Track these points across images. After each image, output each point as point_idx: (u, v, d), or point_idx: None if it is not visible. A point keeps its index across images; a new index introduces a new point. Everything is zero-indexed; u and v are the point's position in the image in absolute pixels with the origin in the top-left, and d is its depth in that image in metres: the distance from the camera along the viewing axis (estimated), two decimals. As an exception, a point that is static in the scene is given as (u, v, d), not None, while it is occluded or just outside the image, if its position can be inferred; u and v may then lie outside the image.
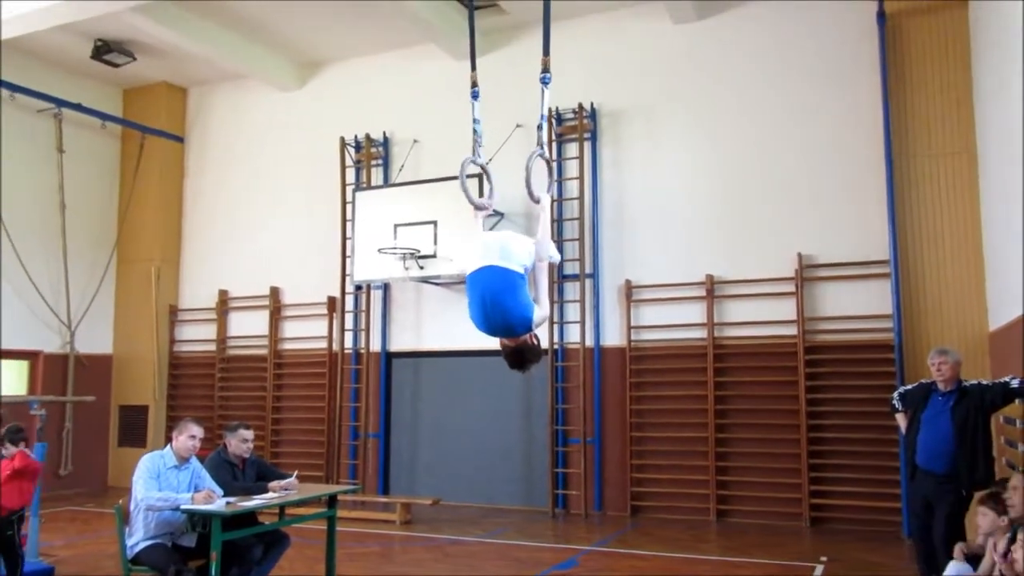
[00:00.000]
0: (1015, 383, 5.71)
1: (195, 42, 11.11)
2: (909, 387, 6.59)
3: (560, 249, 10.36)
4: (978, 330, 8.33)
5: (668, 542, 8.41)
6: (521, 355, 3.85)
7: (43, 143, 12.14)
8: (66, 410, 12.04)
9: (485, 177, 4.52)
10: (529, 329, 3.81)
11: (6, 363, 11.73)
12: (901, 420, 6.50)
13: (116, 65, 12.00)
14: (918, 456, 6.00)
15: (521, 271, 3.85)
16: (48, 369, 12.02)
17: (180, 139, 13.41)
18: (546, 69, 4.29)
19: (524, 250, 3.94)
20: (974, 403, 5.88)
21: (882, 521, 8.75)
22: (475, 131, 4.28)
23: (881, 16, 9.06)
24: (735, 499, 9.53)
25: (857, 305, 9.18)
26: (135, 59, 11.90)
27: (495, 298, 3.75)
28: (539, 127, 4.27)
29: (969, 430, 5.82)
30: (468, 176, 4.15)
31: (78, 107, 12.30)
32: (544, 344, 10.01)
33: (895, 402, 6.53)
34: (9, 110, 11.56)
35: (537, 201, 4.11)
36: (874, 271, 9.07)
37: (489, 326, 3.79)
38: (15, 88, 11.42)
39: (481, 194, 4.35)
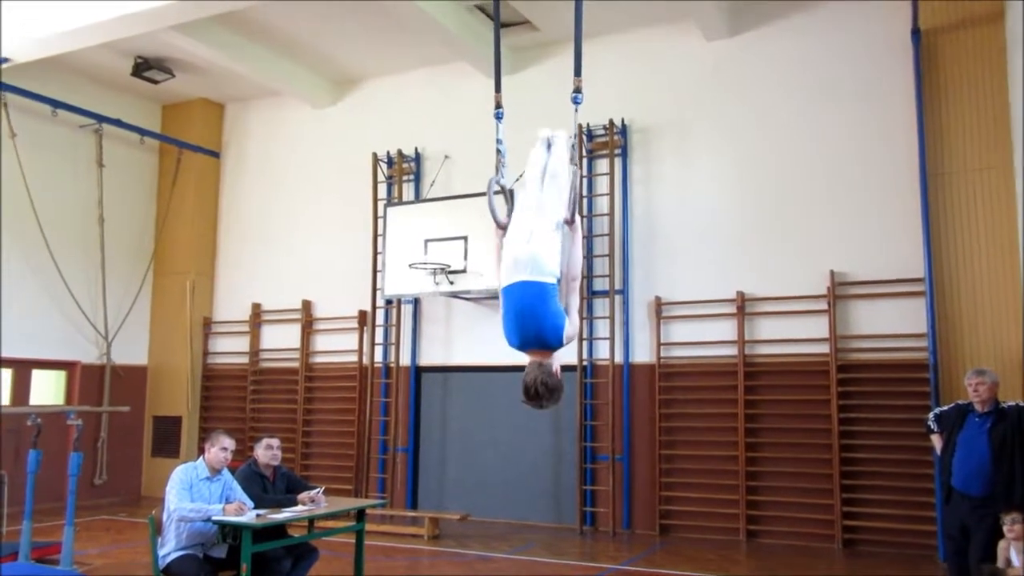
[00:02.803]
0: None
1: (232, 60, 11.31)
2: (945, 408, 6.49)
3: (590, 266, 10.42)
4: (1015, 351, 8.18)
5: (697, 562, 8.33)
6: (542, 389, 3.81)
7: (83, 157, 12.41)
8: (102, 420, 12.24)
9: (506, 197, 4.51)
10: (560, 341, 3.86)
11: (45, 373, 11.99)
12: (936, 441, 6.41)
13: (156, 82, 12.27)
14: (954, 478, 5.91)
15: (553, 281, 3.94)
16: (85, 379, 12.23)
17: (216, 154, 13.63)
18: (578, 89, 4.33)
19: (553, 259, 4.00)
20: (1012, 425, 5.79)
21: (916, 544, 8.58)
22: (499, 151, 4.35)
23: (915, 33, 8.98)
24: (766, 519, 9.41)
25: (891, 323, 9.06)
26: (174, 76, 12.16)
27: (529, 310, 3.86)
28: (571, 146, 4.31)
29: (1007, 452, 5.74)
30: (495, 193, 4.20)
31: (118, 122, 12.56)
32: (573, 360, 10.05)
33: (930, 423, 6.44)
34: (51, 125, 11.84)
35: (566, 221, 4.11)
36: (908, 289, 8.95)
37: (522, 335, 3.88)
38: (58, 104, 11.69)
39: (508, 214, 4.37)
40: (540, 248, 4.01)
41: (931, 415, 6.52)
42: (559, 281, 4.00)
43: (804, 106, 9.80)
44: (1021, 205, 8.22)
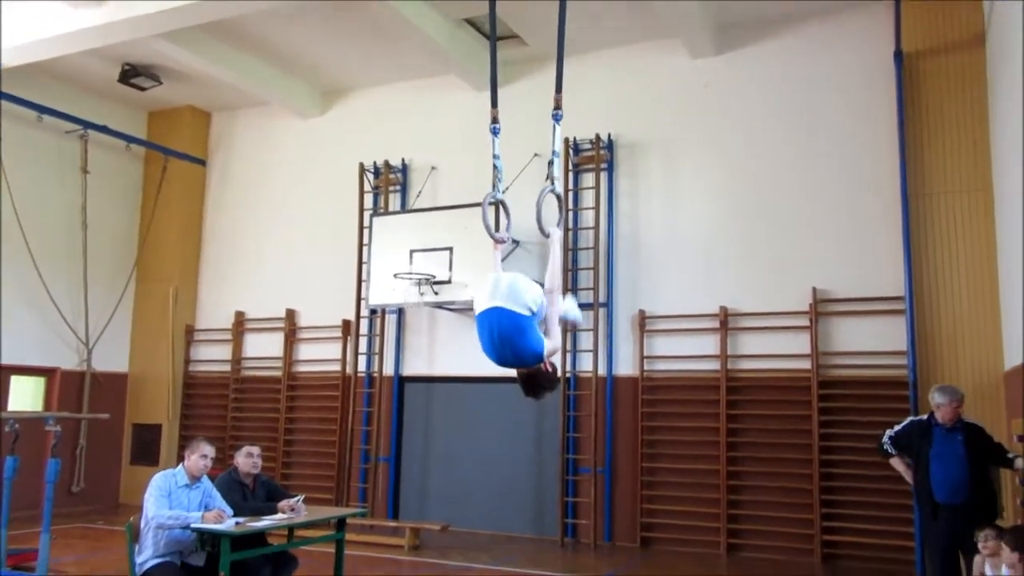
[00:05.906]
0: (1019, 463, 5.81)
1: (220, 68, 11.32)
2: (899, 428, 6.28)
3: (574, 278, 10.44)
4: (993, 368, 8.27)
5: (677, 575, 8.33)
6: (535, 381, 3.87)
7: (68, 164, 12.35)
8: (81, 427, 12.14)
9: (503, 211, 4.49)
10: (540, 360, 3.83)
11: (24, 379, 11.87)
12: (897, 464, 6.28)
13: (143, 89, 12.23)
14: (936, 493, 5.87)
15: (528, 314, 3.82)
16: (64, 386, 12.14)
17: (203, 162, 13.60)
18: (558, 107, 4.35)
19: (531, 295, 3.89)
20: (983, 446, 5.90)
21: (894, 559, 8.64)
22: (495, 166, 4.33)
23: (898, 55, 9.11)
24: (746, 532, 9.45)
25: (871, 341, 9.15)
26: (161, 83, 12.12)
27: (504, 337, 3.77)
28: (550, 163, 4.32)
29: (983, 467, 5.84)
30: (490, 205, 4.22)
31: (104, 129, 12.52)
32: (558, 372, 10.05)
33: (886, 447, 6.24)
34: (37, 131, 11.79)
35: (547, 235, 4.13)
36: (889, 307, 9.04)
37: (500, 359, 3.82)
38: (43, 110, 11.65)
39: (498, 228, 4.37)
40: (521, 279, 3.93)
41: (886, 437, 6.24)
42: (536, 315, 3.89)
43: (789, 124, 9.91)
44: (999, 225, 8.33)
